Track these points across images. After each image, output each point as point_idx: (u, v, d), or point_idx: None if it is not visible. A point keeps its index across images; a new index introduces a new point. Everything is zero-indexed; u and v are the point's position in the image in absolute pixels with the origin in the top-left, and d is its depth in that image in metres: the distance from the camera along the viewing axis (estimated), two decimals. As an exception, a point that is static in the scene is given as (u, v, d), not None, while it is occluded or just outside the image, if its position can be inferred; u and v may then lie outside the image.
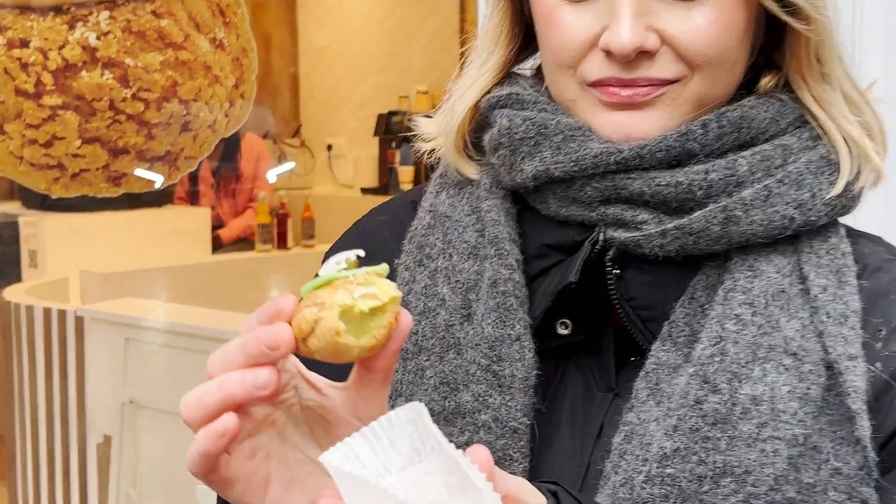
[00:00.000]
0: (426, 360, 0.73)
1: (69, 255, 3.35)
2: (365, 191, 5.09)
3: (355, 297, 0.56)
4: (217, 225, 4.02)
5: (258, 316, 0.57)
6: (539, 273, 0.74)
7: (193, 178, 3.89)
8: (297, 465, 0.60)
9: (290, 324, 0.56)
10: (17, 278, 3.41)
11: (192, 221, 3.72)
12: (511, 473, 0.60)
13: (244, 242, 4.03)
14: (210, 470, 0.57)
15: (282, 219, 3.88)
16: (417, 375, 0.73)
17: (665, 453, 0.66)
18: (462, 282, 0.74)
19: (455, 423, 0.71)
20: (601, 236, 0.72)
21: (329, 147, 5.30)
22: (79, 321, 2.85)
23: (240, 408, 0.56)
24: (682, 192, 0.70)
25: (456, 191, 0.79)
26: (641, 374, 0.70)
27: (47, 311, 2.90)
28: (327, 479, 0.55)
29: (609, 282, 0.72)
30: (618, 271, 0.72)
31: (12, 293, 3.10)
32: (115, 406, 2.77)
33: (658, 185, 0.70)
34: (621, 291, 0.72)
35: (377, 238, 0.81)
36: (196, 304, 3.12)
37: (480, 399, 0.70)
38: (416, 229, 0.79)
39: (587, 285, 0.72)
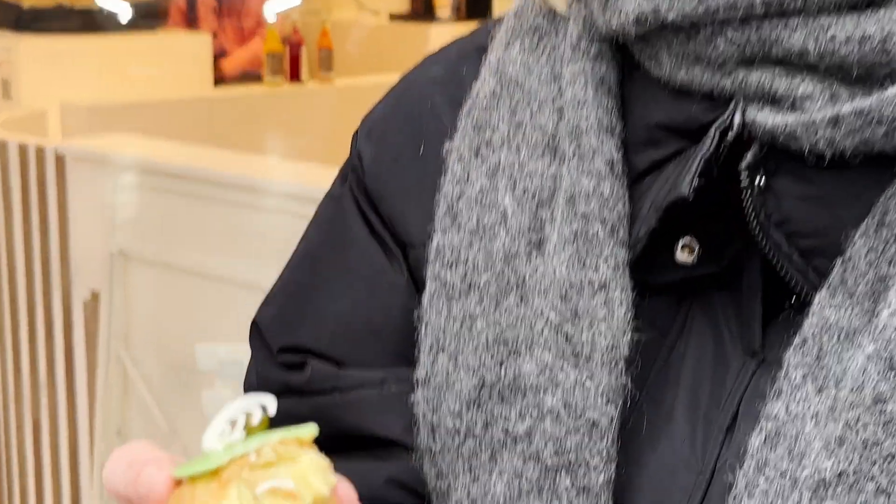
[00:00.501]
0: (477, 305, 0.60)
1: (48, 84, 3.13)
2: (394, 17, 4.68)
3: (258, 494, 0.42)
4: (219, 54, 3.69)
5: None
6: (649, 169, 0.58)
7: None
8: None
9: None
10: None
11: (191, 49, 3.41)
12: (587, 486, 0.54)
13: (250, 76, 3.71)
14: None
15: (294, 47, 3.51)
16: (465, 326, 0.60)
17: (824, 477, 0.50)
18: (531, 191, 0.60)
19: (514, 402, 0.57)
20: (737, 118, 0.54)
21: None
22: (60, 160, 2.61)
23: None
24: (872, 53, 0.51)
25: (533, 41, 0.63)
26: (797, 340, 0.53)
27: (23, 148, 2.66)
28: None
29: (746, 194, 0.54)
30: (761, 178, 0.54)
31: (-17, 126, 2.85)
32: (103, 258, 2.57)
33: (832, 38, 0.51)
34: (767, 209, 0.54)
35: (424, 107, 0.65)
36: (194, 144, 2.89)
37: (547, 373, 0.57)
38: (476, 97, 0.63)
39: (718, 194, 0.55)
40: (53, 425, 2.70)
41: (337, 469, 0.52)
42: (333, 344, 0.64)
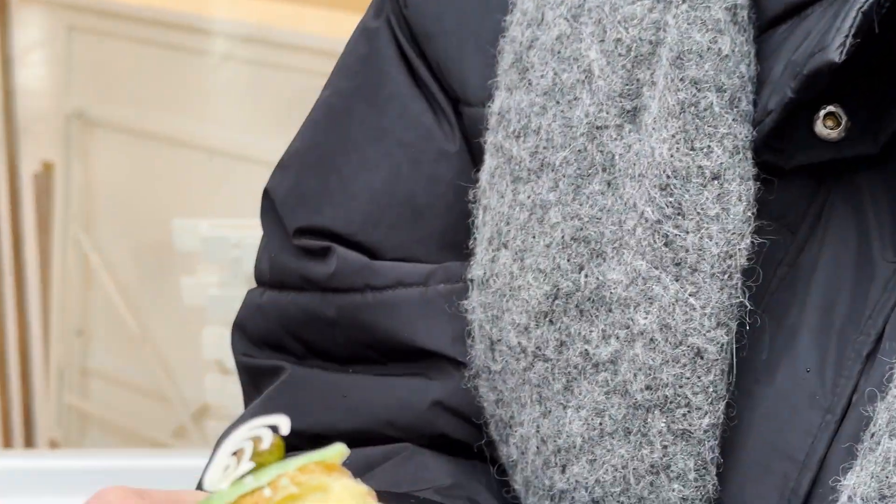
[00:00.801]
0: (551, 190, 0.54)
1: None
2: None
3: None
4: None
5: None
6: (784, 15, 0.53)
7: None
8: None
9: None
10: None
11: None
12: (688, 429, 0.51)
13: None
14: None
15: None
16: (535, 216, 0.55)
17: None
18: (626, 43, 0.54)
19: (595, 319, 0.53)
20: None
21: None
22: (2, 1, 2.45)
23: None
24: None
25: None
26: None
27: None
28: None
29: None
30: None
31: None
32: (56, 121, 2.43)
33: None
34: None
35: None
36: None
37: (639, 284, 0.52)
38: None
39: (877, 52, 0.50)
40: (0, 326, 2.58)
41: (374, 385, 0.59)
42: (365, 227, 0.61)
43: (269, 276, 0.62)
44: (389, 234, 0.60)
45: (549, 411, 0.53)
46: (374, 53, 0.62)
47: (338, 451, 0.42)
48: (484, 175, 0.57)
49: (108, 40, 2.42)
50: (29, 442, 2.55)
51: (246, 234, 1.75)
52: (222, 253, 1.78)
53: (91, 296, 2.42)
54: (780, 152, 0.54)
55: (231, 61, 2.29)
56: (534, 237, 0.55)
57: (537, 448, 0.54)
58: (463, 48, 0.60)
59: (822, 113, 0.53)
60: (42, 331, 2.54)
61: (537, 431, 0.54)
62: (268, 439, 0.42)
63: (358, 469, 0.54)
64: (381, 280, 0.59)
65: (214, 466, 0.42)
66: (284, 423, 0.42)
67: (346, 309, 0.59)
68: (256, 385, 0.64)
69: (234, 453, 0.42)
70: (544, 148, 0.56)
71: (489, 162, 0.57)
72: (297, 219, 0.61)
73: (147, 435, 2.30)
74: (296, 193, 0.62)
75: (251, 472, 0.41)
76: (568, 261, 0.54)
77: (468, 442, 0.58)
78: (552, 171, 0.55)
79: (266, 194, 0.63)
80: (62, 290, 2.46)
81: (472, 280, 0.57)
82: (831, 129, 0.53)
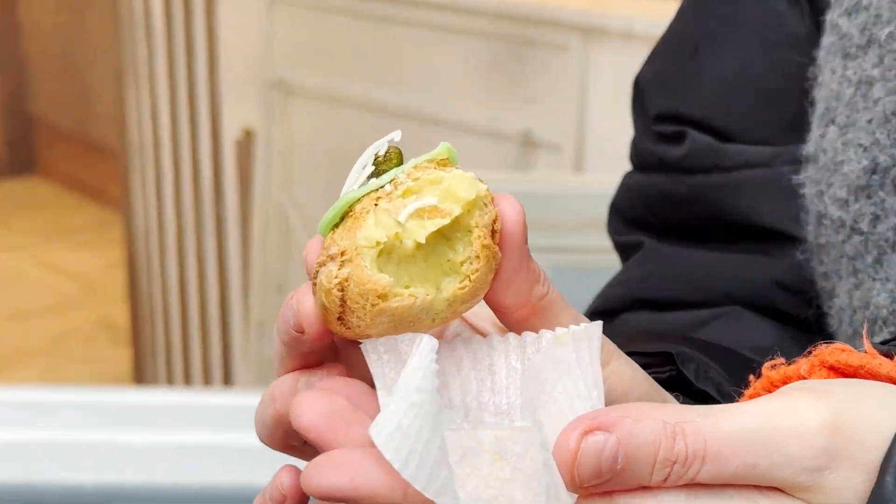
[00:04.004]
0: (876, 66, 0.52)
1: None
2: None
3: (402, 219, 0.41)
4: None
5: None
6: None
7: None
8: None
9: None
10: None
11: None
12: None
13: None
14: None
15: None
16: (860, 92, 0.53)
17: None
18: None
19: None
20: None
21: None
22: None
23: None
24: None
25: None
26: None
27: None
28: None
29: None
30: None
31: (117, -55, 2.69)
32: (258, 90, 2.46)
33: None
34: None
35: None
36: None
37: None
38: None
39: None
40: (202, 284, 2.61)
41: (717, 262, 0.58)
42: (718, 111, 0.60)
43: (635, 160, 0.64)
44: (740, 117, 0.60)
45: (861, 283, 0.53)
46: None
47: (447, 148, 0.43)
48: (821, 52, 0.57)
49: (307, 12, 2.41)
50: (227, 381, 2.59)
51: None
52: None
53: (290, 254, 2.46)
54: None
55: (421, 28, 2.28)
56: (857, 112, 0.54)
57: (850, 318, 0.54)
58: None
59: None
60: (242, 286, 2.54)
61: (850, 302, 0.54)
62: (383, 148, 0.44)
63: (687, 326, 0.58)
64: (729, 161, 0.60)
65: (348, 182, 0.45)
66: (398, 135, 0.45)
67: (695, 188, 0.60)
68: (625, 261, 0.65)
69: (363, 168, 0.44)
70: (872, 24, 0.54)
71: (825, 39, 0.56)
72: (658, 104, 0.62)
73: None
74: (658, 80, 0.63)
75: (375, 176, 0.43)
76: (888, 136, 0.53)
77: (797, 314, 0.59)
78: (878, 46, 0.54)
79: (636, 83, 0.64)
80: (262, 249, 2.48)
81: (806, 156, 0.57)
82: None
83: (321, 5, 2.39)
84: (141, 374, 2.76)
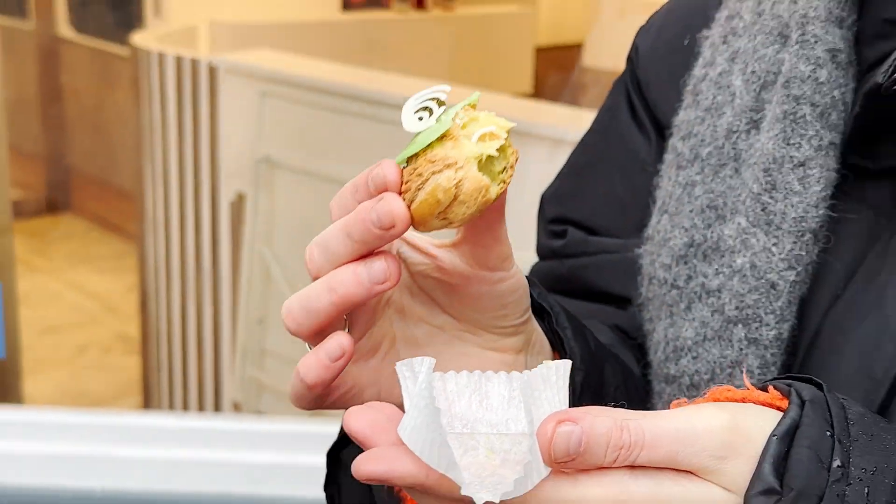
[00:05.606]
0: (698, 174, 0.59)
1: (194, 4, 3.02)
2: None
3: (474, 141, 0.45)
4: None
5: (355, 191, 0.45)
6: (877, 62, 0.54)
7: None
8: (428, 338, 0.51)
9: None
10: (142, 28, 3.12)
11: None
12: (757, 338, 0.53)
13: (374, 3, 3.57)
14: (324, 396, 0.47)
15: (420, -25, 3.41)
16: (686, 191, 0.59)
17: None
18: (759, 74, 0.58)
19: (711, 261, 0.57)
20: None
21: None
22: (212, 72, 2.49)
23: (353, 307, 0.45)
24: None
25: None
26: None
27: (179, 60, 2.53)
28: (468, 347, 0.51)
29: None
30: None
31: (141, 39, 2.70)
32: (249, 163, 2.48)
33: None
34: None
35: (696, 6, 0.65)
36: (332, 62, 2.76)
37: (742, 236, 0.55)
38: None
39: None
40: (199, 312, 2.65)
41: (583, 307, 0.63)
42: (591, 216, 0.66)
43: (538, 253, 0.69)
44: (602, 221, 0.66)
45: (675, 323, 0.57)
46: (614, 104, 0.68)
47: (477, 96, 0.46)
48: (662, 166, 0.62)
49: (289, 103, 2.43)
50: (217, 404, 2.62)
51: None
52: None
53: (269, 294, 2.50)
54: (873, 158, 0.55)
55: (383, 123, 2.26)
56: (683, 205, 0.59)
57: (664, 348, 0.58)
58: (668, 89, 0.64)
59: (887, 138, 0.54)
60: (231, 320, 2.58)
61: (665, 337, 0.58)
62: (444, 95, 0.46)
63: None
64: (593, 249, 0.65)
65: (409, 115, 0.46)
66: (445, 88, 0.47)
67: (571, 268, 0.66)
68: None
69: (423, 109, 0.46)
70: (698, 145, 0.60)
71: (667, 156, 0.62)
72: (553, 211, 0.68)
73: (307, 401, 2.40)
74: (555, 195, 0.69)
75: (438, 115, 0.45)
76: (701, 222, 0.58)
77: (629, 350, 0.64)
78: (700, 161, 0.59)
79: (541, 197, 0.70)
80: (247, 289, 2.51)
81: (645, 237, 0.62)
82: None
83: (301, 100, 2.41)
84: (147, 382, 2.81)
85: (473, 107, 0.46)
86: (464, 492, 0.39)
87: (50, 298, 3.23)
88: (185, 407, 2.65)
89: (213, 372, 2.64)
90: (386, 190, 0.44)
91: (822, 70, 0.55)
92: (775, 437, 0.41)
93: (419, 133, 0.45)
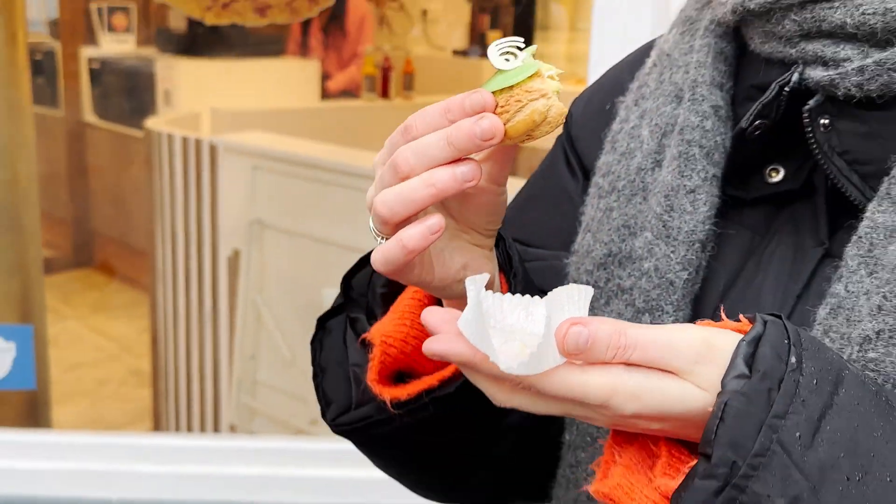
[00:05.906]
0: (615, 201, 0.62)
1: (198, 94, 3.06)
2: (456, 53, 4.67)
3: (546, 78, 0.47)
4: (324, 77, 3.61)
5: (446, 111, 0.47)
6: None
7: (305, 33, 3.49)
8: (451, 235, 0.54)
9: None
10: (154, 114, 3.07)
11: (303, 71, 3.36)
12: (661, 325, 0.50)
13: (348, 93, 3.65)
14: (406, 264, 0.49)
15: (385, 72, 3.52)
16: (606, 214, 0.62)
17: (867, 335, 0.48)
18: (661, 126, 0.61)
19: (625, 266, 0.60)
20: (795, 76, 0.54)
21: (424, 12, 4.81)
22: (213, 150, 2.51)
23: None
24: (894, 21, 0.50)
25: (686, 26, 0.63)
26: (854, 238, 0.51)
27: (185, 140, 2.55)
28: (462, 243, 0.53)
29: (808, 132, 0.53)
30: (825, 120, 0.53)
31: (153, 124, 2.73)
32: (243, 225, 2.49)
33: (864, 14, 0.51)
34: (832, 143, 0.53)
35: (618, 79, 0.68)
36: (315, 141, 2.77)
37: (648, 247, 0.59)
38: (644, 68, 0.65)
39: (796, 134, 0.54)
40: (201, 350, 2.63)
41: None
42: (531, 236, 0.68)
43: None
44: (538, 239, 0.68)
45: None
46: (554, 154, 0.70)
47: (535, 47, 0.49)
48: (587, 198, 0.65)
49: (278, 176, 2.44)
50: (216, 427, 2.59)
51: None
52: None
53: (261, 335, 2.48)
54: (748, 189, 0.58)
55: (362, 191, 2.25)
56: (603, 226, 0.62)
57: None
58: (593, 142, 0.66)
59: (769, 169, 0.58)
60: (228, 356, 2.56)
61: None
62: (515, 45, 0.48)
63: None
64: (530, 257, 0.67)
65: (495, 57, 0.48)
66: (520, 40, 0.49)
67: (524, 271, 0.65)
68: None
69: (506, 52, 0.48)
70: (615, 180, 0.63)
71: (591, 190, 0.64)
72: (508, 232, 0.67)
73: (292, 423, 2.37)
74: (509, 220, 0.67)
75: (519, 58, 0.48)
76: (617, 237, 0.61)
77: None
78: (617, 192, 0.62)
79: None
80: (242, 331, 2.49)
81: (572, 251, 0.64)
82: (775, 177, 0.58)
83: (287, 172, 2.42)
84: (157, 409, 2.78)
85: (533, 54, 0.49)
86: (496, 362, 0.42)
87: (75, 340, 3.24)
88: (189, 429, 2.63)
89: (212, 400, 2.64)
90: (484, 111, 0.47)
91: (708, 121, 0.59)
92: (744, 342, 0.44)
93: (506, 71, 0.47)
